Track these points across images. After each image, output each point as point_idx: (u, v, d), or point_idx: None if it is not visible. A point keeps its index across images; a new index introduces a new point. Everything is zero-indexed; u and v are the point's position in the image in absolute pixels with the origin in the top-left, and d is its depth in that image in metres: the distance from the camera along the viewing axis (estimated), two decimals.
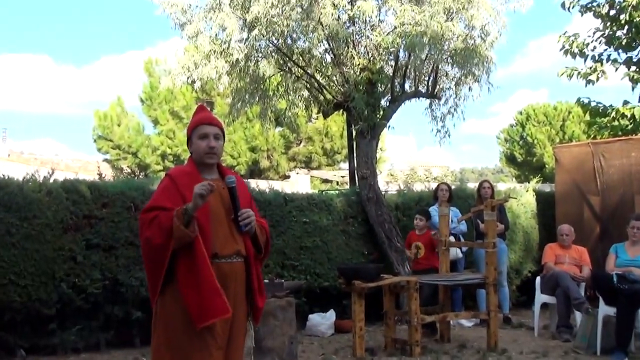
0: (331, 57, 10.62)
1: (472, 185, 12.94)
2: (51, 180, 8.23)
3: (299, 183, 23.94)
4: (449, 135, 11.00)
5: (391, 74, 10.51)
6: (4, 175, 7.95)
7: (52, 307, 7.76)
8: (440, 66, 10.58)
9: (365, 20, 10.13)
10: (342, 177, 25.53)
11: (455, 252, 9.51)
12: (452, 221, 9.32)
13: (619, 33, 12.91)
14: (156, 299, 3.88)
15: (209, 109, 4.49)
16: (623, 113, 12.71)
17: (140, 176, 23.48)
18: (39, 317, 7.77)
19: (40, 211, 7.74)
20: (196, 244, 3.74)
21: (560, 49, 13.27)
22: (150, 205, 3.88)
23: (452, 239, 9.12)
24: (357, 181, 10.95)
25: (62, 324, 7.97)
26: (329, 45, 10.29)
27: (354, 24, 10.31)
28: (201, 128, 4.03)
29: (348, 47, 10.20)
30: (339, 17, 9.78)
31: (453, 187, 10.51)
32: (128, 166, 28.40)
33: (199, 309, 3.71)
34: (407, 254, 9.40)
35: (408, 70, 10.58)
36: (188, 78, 10.47)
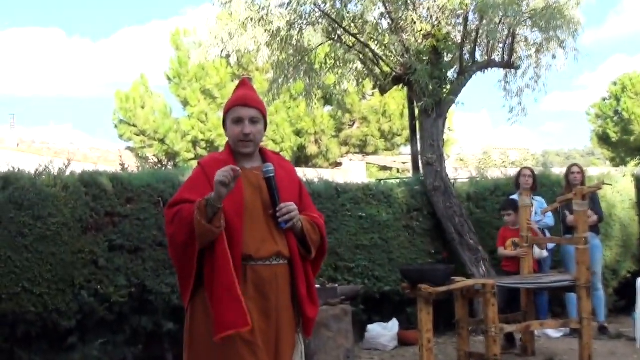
0: (388, 23, 10.58)
1: (558, 170, 12.79)
2: (67, 173, 8.34)
3: (353, 171, 23.94)
4: (525, 114, 10.88)
5: (459, 41, 10.43)
6: (13, 168, 8.08)
7: (71, 319, 7.87)
8: (517, 30, 10.47)
9: None
10: (404, 163, 25.50)
11: (540, 250, 9.43)
12: (535, 213, 9.24)
13: None
14: (187, 305, 3.91)
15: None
16: None
17: (169, 166, 23.69)
18: (57, 330, 7.88)
19: (55, 209, 7.85)
20: (218, 243, 3.73)
21: None
22: (175, 199, 3.89)
23: None
24: (421, 168, 10.91)
25: (83, 337, 8.08)
26: (386, 8, 10.26)
27: None
28: (235, 110, 3.99)
29: (408, 10, 10.15)
30: None
31: (536, 172, 10.39)
32: (154, 155, 28.55)
33: (218, 318, 3.71)
34: (502, 253, 9.25)
35: (479, 36, 10.48)
36: (222, 51, 10.53)
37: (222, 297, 3.70)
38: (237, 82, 4.25)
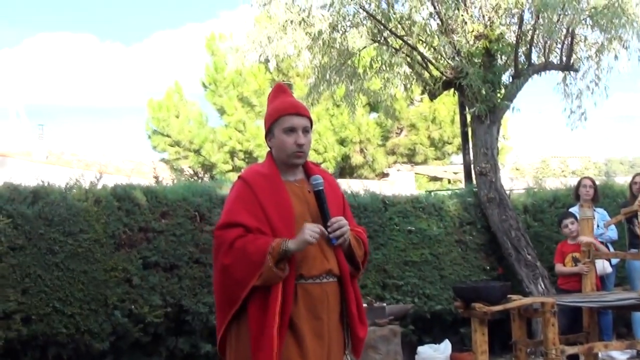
0: (437, 24, 10.56)
1: (622, 179, 12.67)
2: (99, 186, 8.44)
3: (401, 182, 23.90)
4: (585, 118, 10.80)
5: (514, 42, 10.39)
6: (42, 182, 8.19)
7: (104, 340, 7.95)
8: (576, 30, 10.40)
9: None
10: (455, 173, 25.38)
11: (603, 266, 9.34)
12: (597, 226, 9.15)
13: None
14: (222, 331, 3.99)
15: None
16: None
17: (205, 178, 23.81)
18: (90, 353, 7.96)
19: (87, 224, 7.95)
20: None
21: None
22: (228, 220, 3.89)
23: None
24: (474, 178, 10.87)
25: (117, 359, 8.16)
26: (435, 8, 10.25)
27: None
28: (287, 119, 4.00)
29: (459, 10, 10.13)
30: None
31: (598, 182, 10.31)
32: (190, 167, 28.67)
33: (255, 351, 3.76)
34: (560, 270, 9.13)
35: (536, 37, 10.43)
36: (260, 56, 10.57)
37: (257, 333, 3.76)
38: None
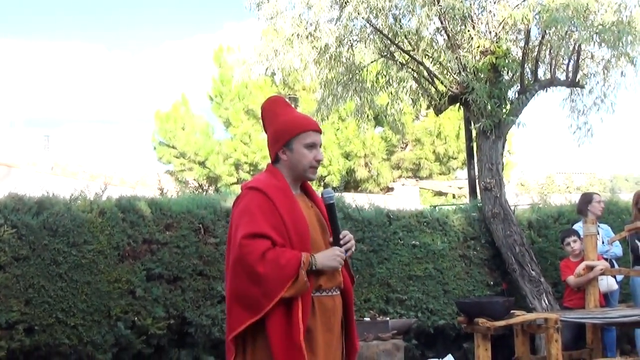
0: (444, 39, 10.56)
1: (627, 196, 12.62)
2: (104, 198, 8.45)
3: (406, 196, 23.89)
4: (592, 134, 10.79)
5: (520, 58, 10.39)
6: (47, 193, 8.19)
7: (107, 352, 7.94)
8: (583, 46, 10.39)
9: None
10: (460, 188, 25.38)
11: (607, 283, 9.31)
12: (602, 242, 9.13)
13: None
14: (234, 339, 3.91)
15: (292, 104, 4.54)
16: None
17: (210, 191, 23.80)
18: None
19: (91, 235, 7.95)
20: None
21: None
22: (254, 230, 3.88)
23: None
24: (478, 193, 10.85)
25: None
26: (442, 23, 10.24)
27: None
28: (309, 135, 4.09)
29: (465, 26, 10.13)
30: None
31: (603, 199, 10.27)
32: (195, 179, 28.74)
33: None
34: (576, 281, 9.03)
35: (542, 53, 10.43)
36: (267, 69, 10.58)
37: (281, 343, 3.78)
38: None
